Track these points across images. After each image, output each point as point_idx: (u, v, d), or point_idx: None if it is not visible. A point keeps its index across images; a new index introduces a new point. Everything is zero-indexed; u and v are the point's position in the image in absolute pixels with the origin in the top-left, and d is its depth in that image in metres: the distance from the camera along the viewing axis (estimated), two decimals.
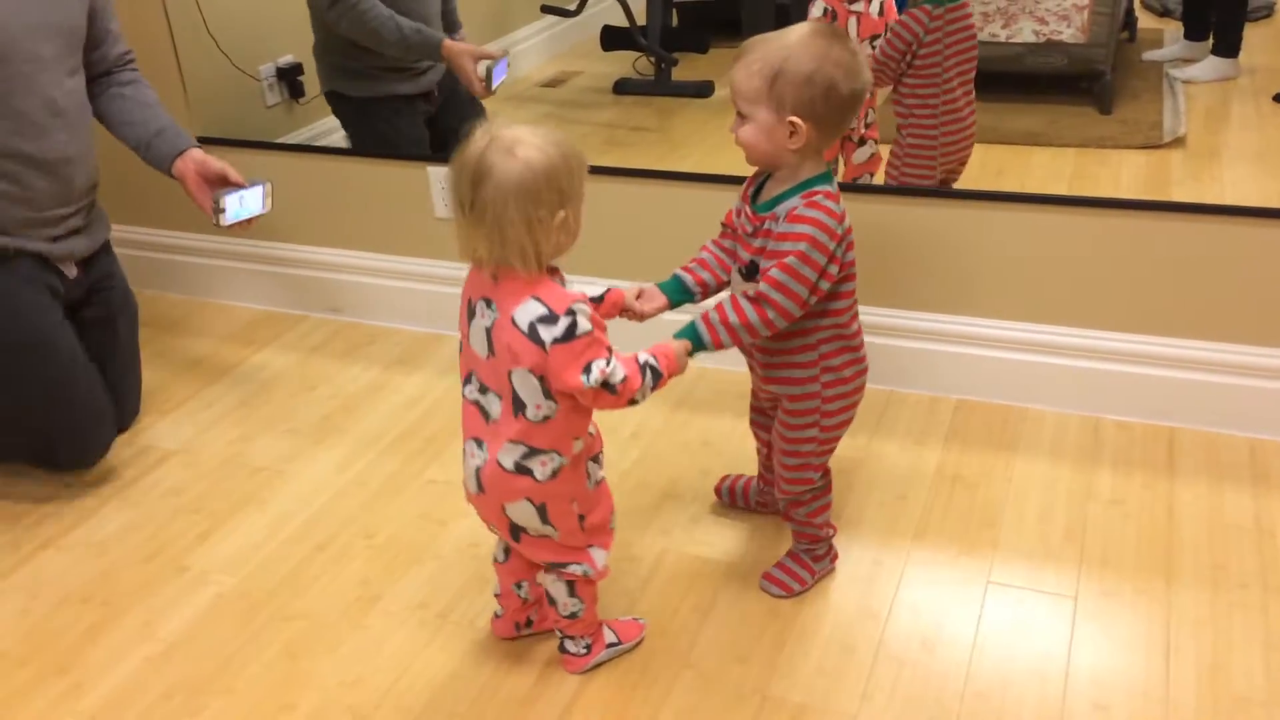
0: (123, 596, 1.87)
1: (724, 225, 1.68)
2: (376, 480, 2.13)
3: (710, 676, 1.63)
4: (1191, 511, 1.90)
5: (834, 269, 1.52)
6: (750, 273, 1.57)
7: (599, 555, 1.58)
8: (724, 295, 1.59)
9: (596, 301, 1.58)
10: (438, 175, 2.49)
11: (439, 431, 2.26)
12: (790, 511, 1.75)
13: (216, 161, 2.15)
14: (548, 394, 1.42)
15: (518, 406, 1.43)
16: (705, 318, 1.55)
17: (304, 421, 2.33)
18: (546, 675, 1.66)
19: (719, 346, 1.55)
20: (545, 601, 1.63)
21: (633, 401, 1.45)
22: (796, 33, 1.48)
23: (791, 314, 1.52)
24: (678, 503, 2.01)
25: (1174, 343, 2.08)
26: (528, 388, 1.41)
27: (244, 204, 2.14)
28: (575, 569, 1.56)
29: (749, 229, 1.58)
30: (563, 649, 1.66)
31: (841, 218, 1.52)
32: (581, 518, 1.53)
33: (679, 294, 1.67)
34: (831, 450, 1.69)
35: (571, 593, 1.59)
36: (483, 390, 1.48)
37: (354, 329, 2.69)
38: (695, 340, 1.54)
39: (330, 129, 2.84)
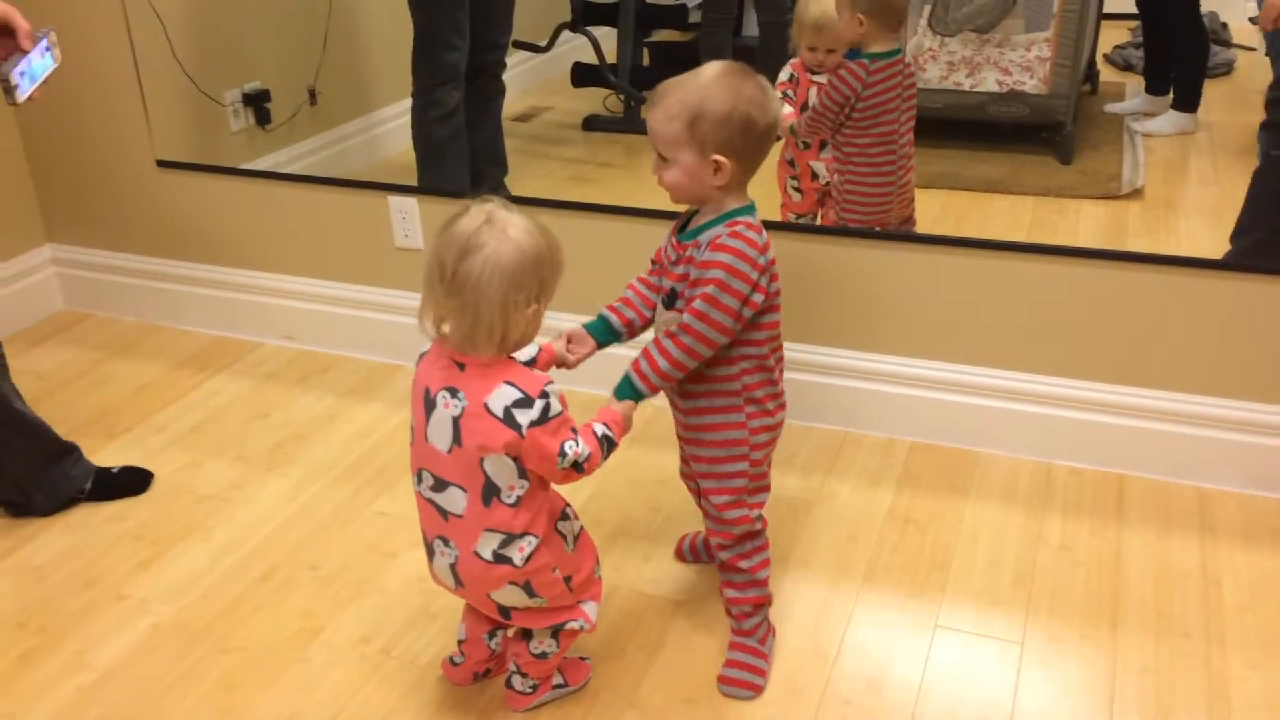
0: (59, 623, 1.83)
1: (653, 261, 1.68)
2: (325, 511, 2.10)
3: (656, 717, 1.61)
4: (1139, 559, 1.90)
5: (758, 297, 1.53)
6: (670, 300, 1.58)
7: (591, 609, 1.58)
8: (650, 343, 1.59)
9: (531, 363, 1.58)
10: (398, 204, 2.49)
11: (391, 463, 2.23)
12: (733, 569, 1.66)
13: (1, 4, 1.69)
14: (523, 473, 1.42)
15: (488, 494, 1.43)
16: (636, 368, 1.56)
17: (254, 449, 2.30)
18: (489, 715, 1.64)
19: (654, 391, 1.57)
20: (514, 639, 1.61)
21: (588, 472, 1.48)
22: (708, 73, 1.50)
23: (715, 341, 1.52)
24: (629, 539, 1.99)
25: (1126, 391, 2.10)
26: (502, 472, 1.42)
27: (34, 71, 1.74)
28: (571, 625, 1.56)
29: (672, 257, 1.59)
30: (509, 685, 1.64)
31: (764, 248, 1.53)
32: (568, 579, 1.53)
33: (605, 334, 1.67)
34: (764, 489, 1.67)
35: (554, 635, 1.58)
36: (438, 487, 1.46)
37: (309, 357, 2.67)
38: (633, 395, 1.56)
39: (295, 156, 2.83)
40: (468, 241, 1.37)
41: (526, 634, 1.58)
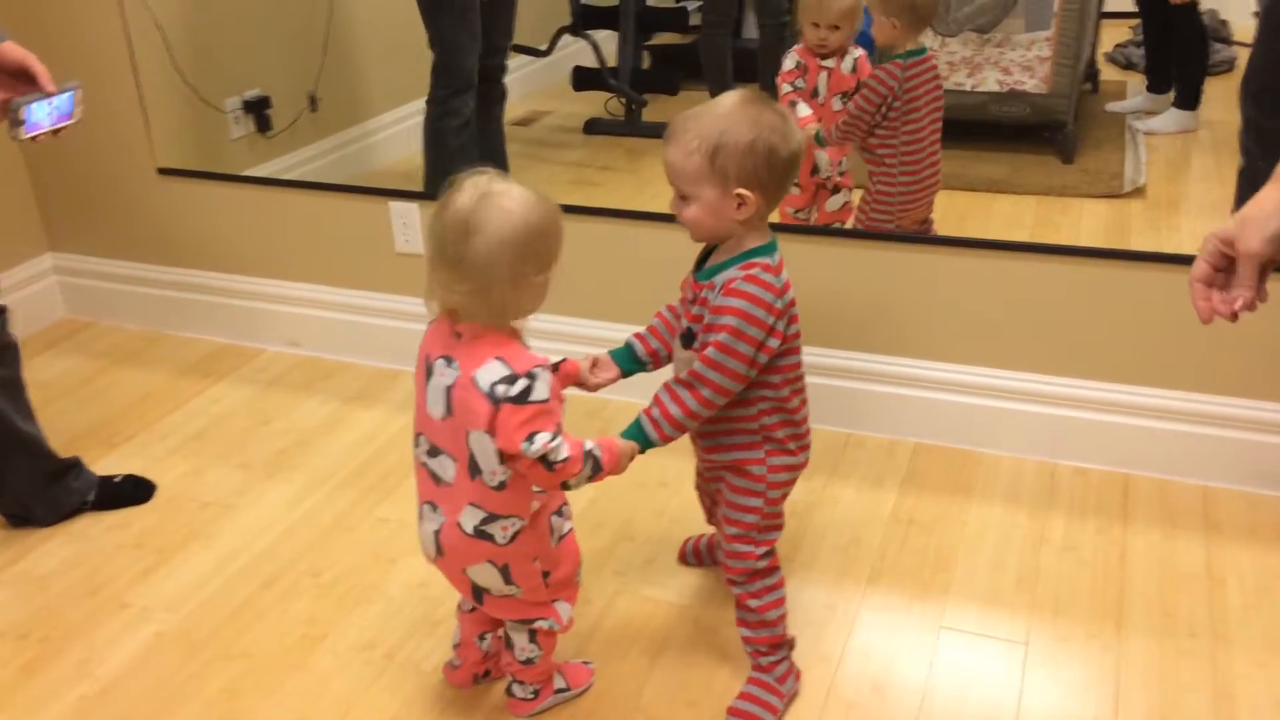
0: (61, 633, 1.83)
1: (682, 288, 1.65)
2: (327, 517, 2.10)
3: None
4: (1144, 558, 1.90)
5: (774, 342, 1.48)
6: (687, 340, 1.54)
7: (564, 609, 1.56)
8: (662, 390, 1.54)
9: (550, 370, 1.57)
10: (399, 210, 2.49)
11: (393, 468, 2.23)
12: (743, 606, 1.62)
13: (16, 48, 1.71)
14: (503, 458, 1.39)
15: (473, 470, 1.41)
16: (648, 414, 1.51)
17: (256, 456, 2.30)
18: None
19: (667, 441, 1.52)
20: (503, 646, 1.60)
21: (565, 485, 1.42)
22: (725, 104, 1.45)
23: (729, 390, 1.48)
24: (632, 544, 1.99)
25: (1130, 390, 2.09)
26: (485, 452, 1.39)
27: (50, 113, 1.74)
28: (541, 624, 1.54)
29: (689, 296, 1.55)
30: (510, 692, 1.63)
31: (781, 291, 1.48)
32: (546, 574, 1.51)
33: (630, 363, 1.64)
34: (776, 527, 1.61)
35: (532, 639, 1.57)
36: (432, 453, 1.45)
37: (312, 363, 2.66)
38: (642, 440, 1.51)
39: (296, 163, 2.84)
40: (468, 222, 1.33)
41: (509, 643, 1.58)
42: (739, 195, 1.43)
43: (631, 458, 1.50)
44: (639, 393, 1.66)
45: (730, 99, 1.47)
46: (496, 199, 1.35)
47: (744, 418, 1.54)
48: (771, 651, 1.63)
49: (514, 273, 1.34)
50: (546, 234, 1.37)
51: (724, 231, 1.48)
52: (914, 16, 2.12)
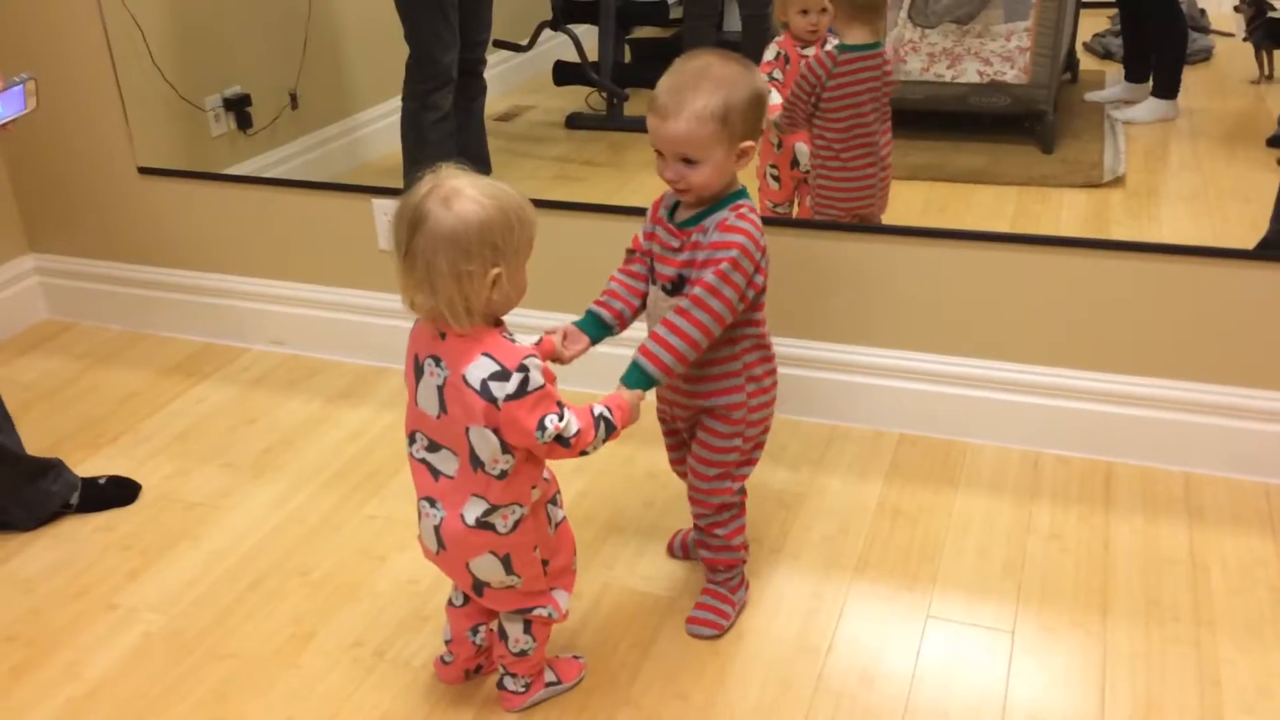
0: (48, 636, 1.82)
1: (630, 251, 1.70)
2: (314, 516, 2.09)
3: (650, 713, 1.62)
4: (1127, 545, 1.91)
5: (760, 279, 1.57)
6: (677, 287, 1.59)
7: (562, 598, 1.57)
8: (657, 326, 1.58)
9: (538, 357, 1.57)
10: (382, 207, 2.48)
11: (380, 466, 2.23)
12: (709, 534, 1.73)
13: None
14: (505, 448, 1.40)
15: (475, 462, 1.42)
16: (645, 352, 1.54)
17: (242, 456, 2.29)
18: (483, 715, 1.63)
19: (670, 375, 1.55)
20: (496, 638, 1.61)
21: (583, 453, 1.45)
22: (705, 65, 1.50)
23: (724, 319, 1.54)
24: (621, 536, 1.99)
25: (1112, 378, 2.10)
26: (485, 444, 1.40)
27: (1, 107, 1.75)
28: (540, 612, 1.55)
29: (674, 244, 1.59)
30: (501, 685, 1.64)
31: (762, 230, 1.57)
32: (545, 563, 1.52)
33: (596, 329, 1.67)
34: (753, 463, 1.71)
35: (527, 630, 1.57)
36: (432, 448, 1.46)
37: (297, 362, 2.66)
38: (644, 381, 1.54)
39: (277, 160, 2.82)
40: (414, 214, 1.35)
41: (503, 634, 1.58)
42: (743, 148, 1.52)
43: (639, 401, 1.54)
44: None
45: (702, 59, 1.52)
46: (443, 193, 1.35)
47: (729, 358, 1.62)
48: (729, 569, 1.76)
49: (455, 269, 1.33)
50: (488, 230, 1.34)
51: (722, 184, 1.56)
52: (849, 7, 2.12)
